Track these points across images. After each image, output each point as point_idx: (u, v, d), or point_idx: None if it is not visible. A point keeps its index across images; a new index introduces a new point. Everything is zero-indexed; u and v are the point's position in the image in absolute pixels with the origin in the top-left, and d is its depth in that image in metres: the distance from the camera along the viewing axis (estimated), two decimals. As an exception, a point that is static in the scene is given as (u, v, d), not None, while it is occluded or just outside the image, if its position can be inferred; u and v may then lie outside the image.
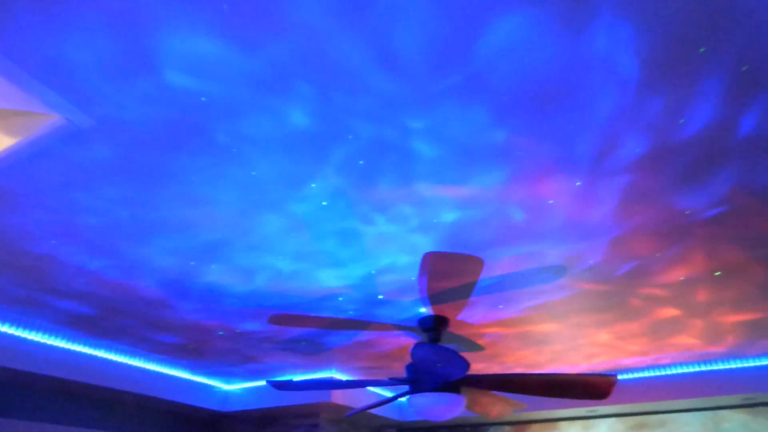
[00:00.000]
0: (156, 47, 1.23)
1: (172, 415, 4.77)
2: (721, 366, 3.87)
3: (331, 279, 2.47)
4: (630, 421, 4.54)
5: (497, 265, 2.34)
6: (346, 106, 1.43)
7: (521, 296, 2.66)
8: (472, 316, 2.94)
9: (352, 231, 2.07)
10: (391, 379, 2.75)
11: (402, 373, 4.21)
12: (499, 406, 3.18)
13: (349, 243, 2.16)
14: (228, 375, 4.35)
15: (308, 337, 3.32)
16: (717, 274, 2.41)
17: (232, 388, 4.75)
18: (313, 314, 2.90)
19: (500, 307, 2.81)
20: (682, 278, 2.45)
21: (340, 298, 2.69)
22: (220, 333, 3.25)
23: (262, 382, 4.58)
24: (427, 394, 2.64)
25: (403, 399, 5.15)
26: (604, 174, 1.72)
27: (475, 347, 3.49)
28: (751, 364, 3.79)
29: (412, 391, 2.72)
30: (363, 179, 1.75)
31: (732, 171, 1.69)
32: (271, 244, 2.17)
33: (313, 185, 1.77)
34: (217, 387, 4.66)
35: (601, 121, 1.49)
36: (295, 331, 3.22)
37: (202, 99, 1.36)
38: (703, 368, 3.92)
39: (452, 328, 3.15)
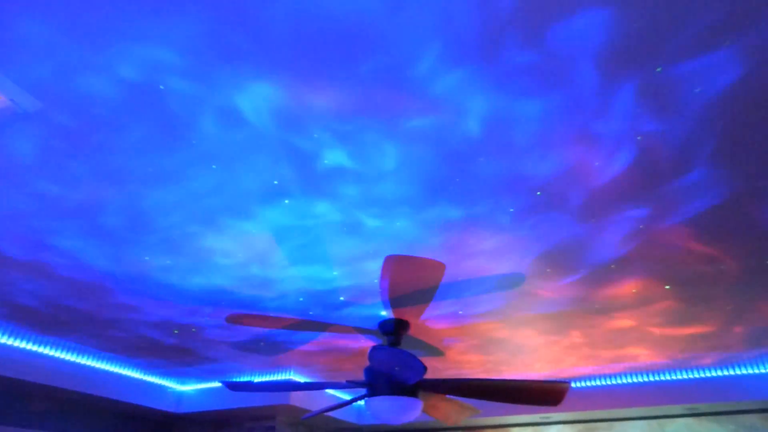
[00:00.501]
0: (111, 42, 1.19)
1: (123, 416, 4.60)
2: (667, 377, 4.03)
3: (291, 279, 2.44)
4: (579, 425, 4.67)
5: (458, 270, 2.36)
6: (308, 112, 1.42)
7: (481, 302, 2.70)
8: (432, 321, 2.96)
9: (314, 231, 2.05)
10: (348, 381, 2.74)
11: (361, 376, 4.20)
12: (455, 411, 3.21)
13: (310, 243, 2.14)
14: (182, 375, 4.22)
15: (267, 338, 3.27)
16: (666, 287, 2.51)
17: (186, 389, 4.62)
18: (272, 314, 2.85)
19: (460, 312, 2.85)
20: (634, 290, 2.54)
21: (301, 299, 2.66)
22: (174, 331, 3.16)
23: (218, 383, 4.47)
24: (384, 397, 2.63)
25: (361, 402, 5.13)
26: (562, 185, 1.76)
27: (435, 351, 3.51)
28: (695, 375, 3.97)
29: (370, 394, 2.71)
30: (326, 179, 1.74)
31: (687, 188, 1.77)
32: (230, 241, 2.12)
33: (276, 182, 1.74)
34: (170, 387, 4.52)
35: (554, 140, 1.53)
36: (254, 331, 3.16)
37: (161, 87, 1.32)
38: (651, 378, 4.08)
39: (412, 332, 3.17)
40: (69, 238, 2.08)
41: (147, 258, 2.24)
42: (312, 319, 2.93)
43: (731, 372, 3.90)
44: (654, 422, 4.43)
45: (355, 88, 1.36)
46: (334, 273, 2.39)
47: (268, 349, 3.49)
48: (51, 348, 3.50)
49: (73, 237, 2.08)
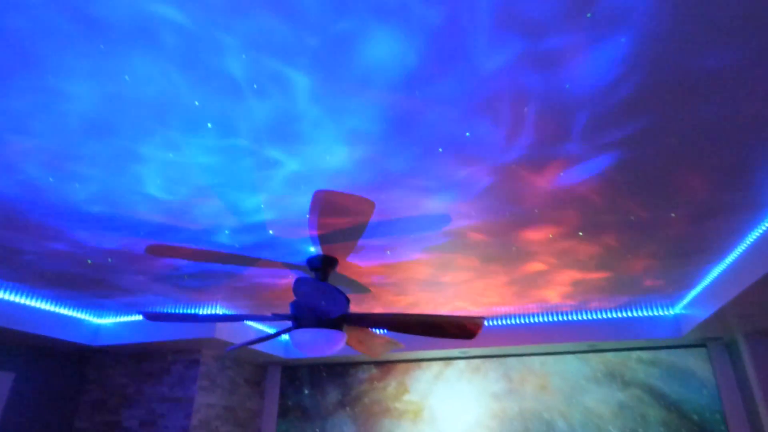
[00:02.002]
0: None
1: (34, 348, 4.37)
2: (571, 317, 4.42)
3: (216, 210, 2.34)
4: (494, 359, 5.07)
5: (387, 209, 2.38)
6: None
7: (407, 243, 2.76)
8: (360, 259, 3.00)
9: (240, 159, 1.95)
10: (274, 314, 2.74)
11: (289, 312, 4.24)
12: (378, 344, 3.34)
13: (237, 172, 2.04)
14: (99, 308, 4.05)
15: (190, 271, 3.17)
16: (580, 234, 2.68)
17: (104, 322, 4.45)
18: (196, 246, 2.75)
19: (387, 252, 2.90)
20: (550, 235, 2.69)
21: (227, 231, 2.58)
22: (88, 261, 2.98)
23: (138, 316, 4.34)
24: (309, 329, 2.67)
25: (287, 336, 5.22)
26: (487, 126, 1.78)
27: (362, 289, 3.59)
28: (594, 316, 4.38)
29: (295, 327, 2.74)
30: (254, 103, 1.64)
31: (608, 139, 1.85)
32: (149, 167, 1.98)
33: (197, 103, 1.62)
34: (85, 320, 4.33)
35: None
36: (177, 264, 3.05)
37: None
38: (557, 318, 4.46)
39: (341, 269, 3.20)
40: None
41: (51, 180, 2.04)
42: (238, 253, 2.87)
43: (626, 314, 4.34)
44: (558, 357, 4.89)
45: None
46: (261, 206, 2.32)
47: (192, 284, 3.40)
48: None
49: (-40, 150, 1.84)
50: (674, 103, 1.64)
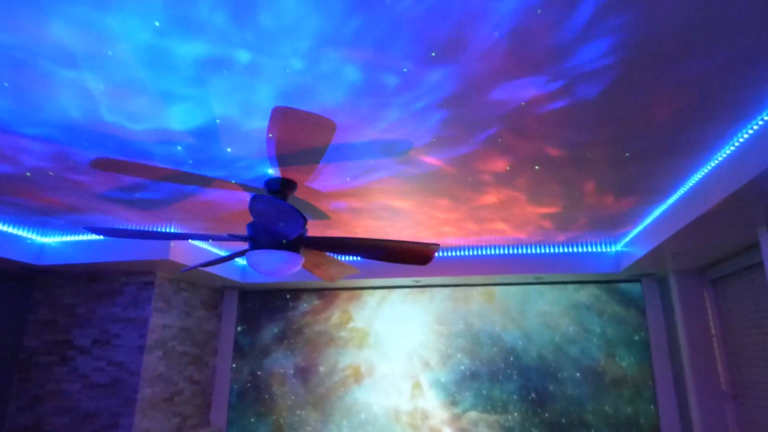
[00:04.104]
0: None
1: (-29, 265, 4.18)
2: (520, 251, 4.63)
3: (167, 120, 2.22)
4: (446, 289, 5.29)
5: (348, 133, 2.32)
6: None
7: (367, 170, 2.74)
8: (320, 184, 2.97)
9: (192, 63, 1.83)
10: (230, 235, 2.71)
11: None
12: (335, 269, 3.40)
13: (189, 78, 1.92)
14: (42, 225, 3.87)
15: (141, 189, 3.05)
16: (536, 168, 2.74)
17: (49, 241, 4.28)
18: (145, 162, 2.63)
19: (348, 179, 2.88)
20: (508, 167, 2.73)
21: (179, 147, 2.46)
22: (27, 174, 2.80)
23: (90, 236, 4.20)
24: (265, 251, 2.67)
25: (244, 261, 5.22)
26: (458, 48, 1.73)
27: (321, 215, 3.59)
28: (544, 251, 4.60)
29: (252, 249, 2.73)
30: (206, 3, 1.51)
31: (574, 75, 1.84)
32: (90, 67, 1.82)
33: (143, -5, 1.47)
34: (29, 238, 4.15)
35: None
36: (125, 180, 2.92)
37: None
38: (506, 252, 4.65)
39: (300, 195, 3.17)
40: None
41: (-21, 76, 1.85)
42: (193, 173, 2.77)
43: (571, 250, 4.58)
44: (511, 288, 5.16)
45: None
46: (217, 121, 2.22)
47: (144, 203, 3.28)
48: None
49: None
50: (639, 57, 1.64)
